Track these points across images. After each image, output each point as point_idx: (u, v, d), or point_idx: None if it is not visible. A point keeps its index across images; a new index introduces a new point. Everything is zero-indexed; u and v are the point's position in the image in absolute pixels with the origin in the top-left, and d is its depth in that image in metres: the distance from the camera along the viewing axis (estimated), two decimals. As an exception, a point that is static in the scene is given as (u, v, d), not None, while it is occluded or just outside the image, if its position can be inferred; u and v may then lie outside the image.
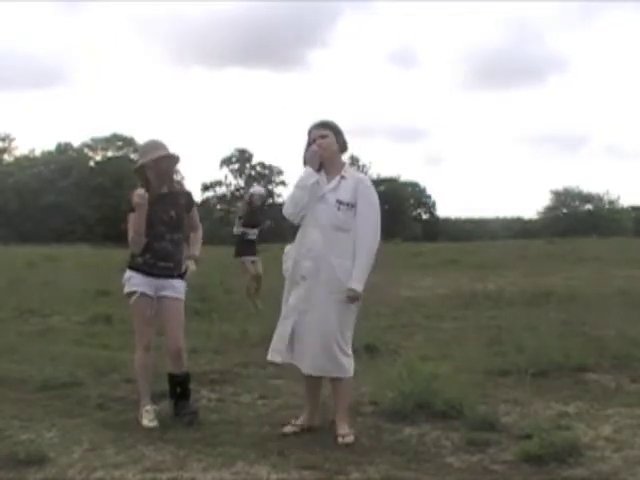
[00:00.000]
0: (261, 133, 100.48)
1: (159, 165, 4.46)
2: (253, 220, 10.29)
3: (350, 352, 4.17)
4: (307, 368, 4.15)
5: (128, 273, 4.49)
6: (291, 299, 4.21)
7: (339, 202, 4.14)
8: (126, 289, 4.48)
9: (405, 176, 64.11)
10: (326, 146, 4.19)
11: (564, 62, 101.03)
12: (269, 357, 4.32)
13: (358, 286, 4.08)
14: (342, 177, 4.19)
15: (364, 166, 59.19)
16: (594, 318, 8.02)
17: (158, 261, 4.44)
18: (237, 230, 10.22)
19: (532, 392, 4.81)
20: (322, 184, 4.21)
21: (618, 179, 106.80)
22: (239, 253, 10.22)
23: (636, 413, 4.51)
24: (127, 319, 7.57)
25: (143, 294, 4.42)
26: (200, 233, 4.74)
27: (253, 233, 10.20)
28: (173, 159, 4.55)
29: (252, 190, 10.97)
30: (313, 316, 4.09)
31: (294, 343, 4.18)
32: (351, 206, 4.14)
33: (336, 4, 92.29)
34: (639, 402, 4.75)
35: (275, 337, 4.26)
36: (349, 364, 4.15)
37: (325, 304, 4.07)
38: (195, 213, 4.69)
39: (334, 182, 4.19)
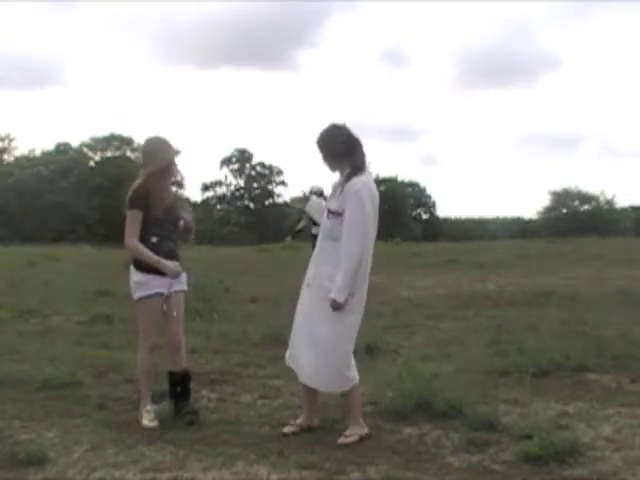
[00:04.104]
0: (259, 132, 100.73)
1: (174, 164, 4.47)
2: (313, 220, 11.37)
3: (349, 365, 4.12)
4: (303, 378, 4.17)
5: (142, 276, 4.37)
6: (298, 305, 4.25)
7: (329, 211, 4.15)
8: (142, 292, 4.38)
9: (401, 176, 64.06)
10: (326, 165, 4.24)
11: (557, 61, 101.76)
12: (287, 362, 4.35)
13: (338, 296, 3.99)
14: (339, 183, 4.18)
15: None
16: (594, 318, 8.01)
17: (170, 260, 4.42)
18: (315, 230, 11.11)
19: (532, 392, 4.81)
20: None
21: (614, 178, 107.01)
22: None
23: (636, 413, 4.51)
24: (127, 319, 7.58)
25: (162, 295, 4.39)
26: None
27: (316, 230, 10.73)
28: (178, 154, 4.57)
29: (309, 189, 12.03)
30: (312, 324, 4.10)
31: (294, 347, 4.21)
32: (338, 214, 4.08)
33: (323, 4, 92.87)
34: (639, 402, 4.75)
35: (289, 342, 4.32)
36: (344, 381, 4.10)
37: (320, 313, 4.06)
38: None
39: (334, 190, 4.23)
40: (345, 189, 4.09)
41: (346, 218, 4.05)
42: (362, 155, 4.18)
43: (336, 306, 4.01)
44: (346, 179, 4.12)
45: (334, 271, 4.03)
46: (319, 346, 4.06)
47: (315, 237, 10.52)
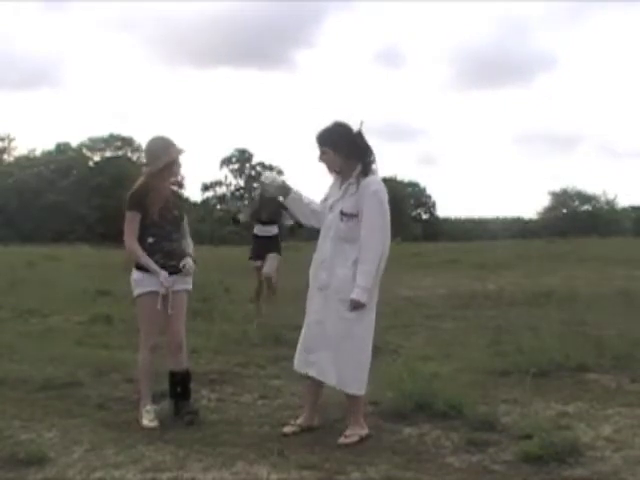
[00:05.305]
0: (259, 132, 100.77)
1: (177, 163, 4.46)
2: (259, 213, 8.55)
3: (367, 367, 4.11)
4: (334, 384, 4.12)
5: (138, 274, 4.40)
6: (309, 310, 4.23)
7: (342, 213, 4.07)
8: (139, 290, 4.40)
9: (400, 176, 63.97)
10: (329, 164, 4.16)
11: (554, 61, 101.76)
12: (295, 367, 4.31)
13: (362, 296, 3.98)
14: (350, 184, 4.10)
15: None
16: (594, 318, 8.02)
17: (168, 261, 4.42)
18: (243, 218, 8.80)
19: (532, 392, 4.81)
20: (335, 192, 4.18)
21: (614, 178, 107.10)
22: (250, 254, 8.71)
23: (636, 413, 4.52)
24: (127, 319, 7.58)
25: (157, 294, 4.38)
26: (190, 241, 4.64)
27: (261, 230, 8.59)
28: (182, 152, 4.53)
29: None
30: (329, 328, 4.07)
31: (310, 353, 4.17)
32: (353, 216, 4.04)
33: (320, 4, 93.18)
34: (639, 402, 4.75)
35: (298, 347, 4.28)
36: (366, 380, 4.10)
37: (338, 316, 4.04)
38: (186, 221, 4.65)
39: (342, 190, 4.13)
40: (360, 189, 4.04)
41: (366, 218, 4.01)
42: (373, 155, 4.15)
43: (358, 306, 3.99)
44: (359, 179, 4.07)
45: (354, 273, 4.01)
46: (350, 350, 4.03)
47: (257, 237, 8.50)
